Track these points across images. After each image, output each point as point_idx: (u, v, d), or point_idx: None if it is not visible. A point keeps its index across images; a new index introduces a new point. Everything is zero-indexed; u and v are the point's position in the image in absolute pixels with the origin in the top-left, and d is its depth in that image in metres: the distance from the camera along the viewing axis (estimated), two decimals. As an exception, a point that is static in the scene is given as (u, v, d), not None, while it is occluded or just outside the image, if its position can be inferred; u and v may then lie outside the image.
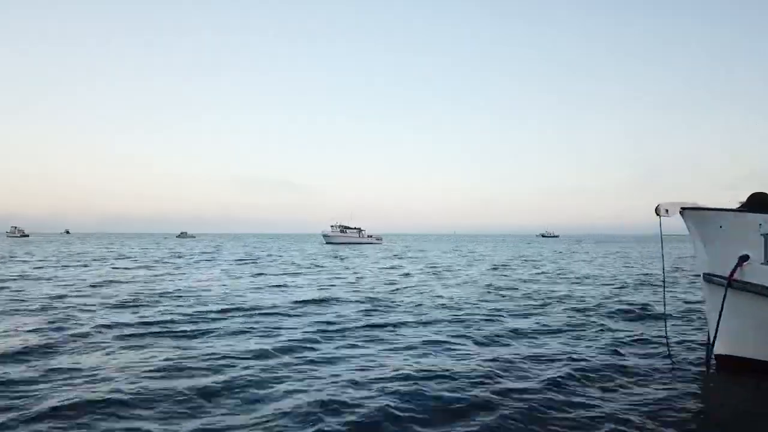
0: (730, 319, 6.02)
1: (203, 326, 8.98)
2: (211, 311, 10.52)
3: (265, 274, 20.79)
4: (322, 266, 26.39)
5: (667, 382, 5.91)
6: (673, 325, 9.13)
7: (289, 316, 10.17)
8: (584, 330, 8.87)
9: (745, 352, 6.13)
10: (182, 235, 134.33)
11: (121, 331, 8.47)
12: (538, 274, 21.43)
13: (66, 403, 4.91)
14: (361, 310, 10.91)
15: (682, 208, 6.26)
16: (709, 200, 6.38)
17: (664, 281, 7.74)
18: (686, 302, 12.20)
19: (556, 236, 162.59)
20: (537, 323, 9.45)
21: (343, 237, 70.63)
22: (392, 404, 4.98)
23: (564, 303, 12.15)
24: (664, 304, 7.68)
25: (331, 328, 8.88)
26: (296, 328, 8.83)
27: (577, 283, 17.64)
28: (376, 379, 5.84)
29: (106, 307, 11.08)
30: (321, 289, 15.34)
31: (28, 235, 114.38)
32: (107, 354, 7.06)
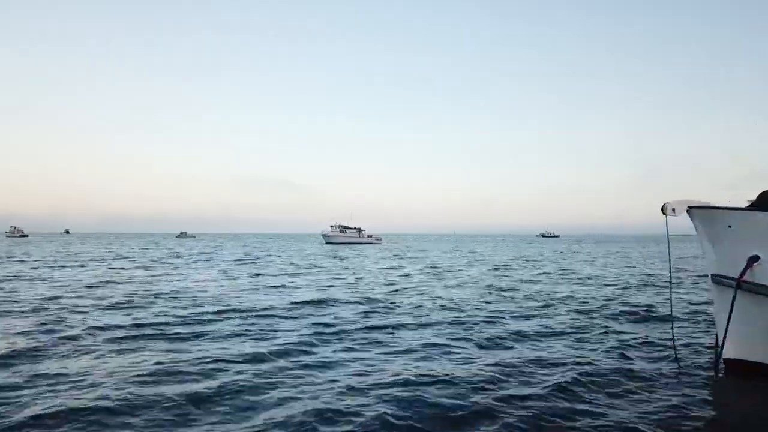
0: (739, 321, 5.82)
1: (197, 328, 8.76)
2: (207, 313, 10.30)
3: (263, 275, 20.58)
4: (321, 266, 26.17)
5: (675, 387, 5.71)
6: (678, 327, 8.92)
7: (286, 318, 9.95)
8: (588, 332, 8.65)
9: (755, 356, 5.93)
10: (182, 235, 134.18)
11: (112, 334, 8.25)
12: (540, 274, 21.22)
13: (48, 411, 4.70)
14: (360, 312, 10.69)
15: (689, 206, 6.06)
16: (710, 200, 6.18)
17: (671, 282, 7.47)
18: (691, 303, 11.99)
19: (557, 236, 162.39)
20: (540, 325, 9.23)
21: (343, 237, 70.43)
22: (390, 412, 4.76)
23: (567, 304, 11.93)
24: (671, 306, 7.44)
25: (328, 330, 8.66)
26: (292, 331, 8.62)
27: (579, 283, 17.42)
28: (374, 384, 5.62)
29: (100, 309, 10.86)
30: (319, 290, 15.12)
31: (27, 235, 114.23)
32: (96, 358, 6.84)
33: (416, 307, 11.49)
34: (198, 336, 8.17)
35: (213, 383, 5.69)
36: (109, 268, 23.39)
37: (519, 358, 6.87)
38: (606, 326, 9.17)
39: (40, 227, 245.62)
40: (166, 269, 23.16)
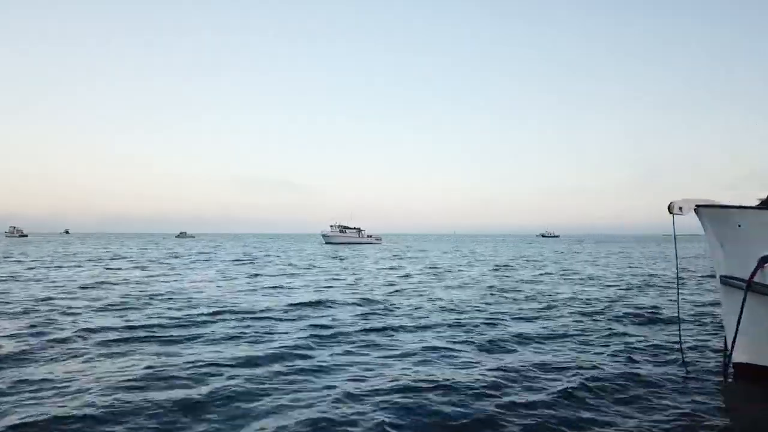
0: (749, 325, 5.62)
1: (191, 331, 8.53)
2: (201, 314, 10.07)
3: (261, 275, 20.35)
4: (320, 267, 25.94)
5: (684, 393, 5.49)
6: (684, 329, 8.67)
7: (283, 320, 9.72)
8: (592, 335, 8.42)
9: (766, 360, 5.72)
10: (181, 235, 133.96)
11: (103, 337, 8.03)
12: (541, 275, 20.98)
13: (29, 419, 4.47)
14: (358, 314, 10.46)
15: (696, 205, 5.85)
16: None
17: (678, 284, 7.25)
18: (696, 305, 11.77)
19: (557, 236, 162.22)
20: (543, 328, 9.00)
21: (343, 237, 70.20)
22: (389, 420, 4.54)
23: (570, 306, 11.70)
24: (678, 309, 7.22)
25: (325, 332, 8.43)
26: (289, 333, 8.39)
27: (581, 284, 17.19)
28: (372, 391, 5.39)
29: (92, 310, 10.63)
30: (317, 290, 14.89)
31: (26, 235, 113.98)
32: (85, 362, 6.61)
33: (416, 308, 11.26)
34: (191, 339, 7.94)
35: (203, 389, 5.46)
36: (106, 269, 23.16)
37: (522, 362, 6.65)
38: (610, 328, 8.94)
39: (40, 227, 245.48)
40: (163, 270, 22.93)
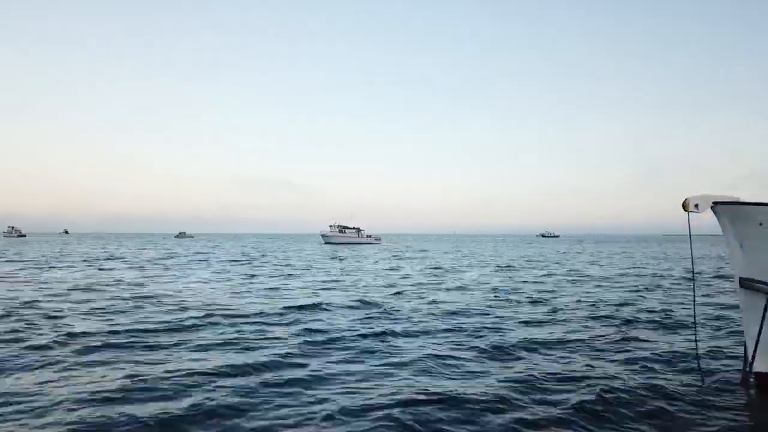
0: None
1: (178, 336, 8.04)
2: (191, 318, 9.58)
3: (258, 276, 19.86)
4: (318, 267, 25.46)
5: (703, 405, 5.05)
6: (700, 334, 8.20)
7: (276, 324, 9.22)
8: (604, 341, 7.93)
9: None
10: (180, 235, 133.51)
11: (84, 342, 7.54)
12: (545, 276, 20.48)
13: (-17, 440, 3.99)
14: (356, 318, 9.97)
15: (714, 202, 5.36)
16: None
17: (694, 287, 6.79)
18: (709, 307, 11.26)
19: (557, 236, 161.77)
20: (551, 333, 8.51)
21: (342, 237, 69.74)
22: (387, 441, 4.05)
23: (577, 309, 11.20)
24: (695, 314, 6.77)
25: (320, 338, 7.94)
26: (281, 339, 7.90)
27: (587, 286, 16.70)
28: (368, 405, 4.90)
29: (77, 314, 10.14)
30: (314, 293, 14.40)
31: (24, 235, 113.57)
32: (59, 371, 6.13)
33: (417, 312, 10.76)
34: (177, 345, 7.45)
35: (184, 402, 4.99)
36: (99, 269, 22.66)
37: (531, 371, 6.16)
38: (622, 333, 8.46)
39: (40, 227, 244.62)
40: (158, 270, 22.43)
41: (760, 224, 5.20)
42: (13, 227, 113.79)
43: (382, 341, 7.81)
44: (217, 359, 6.61)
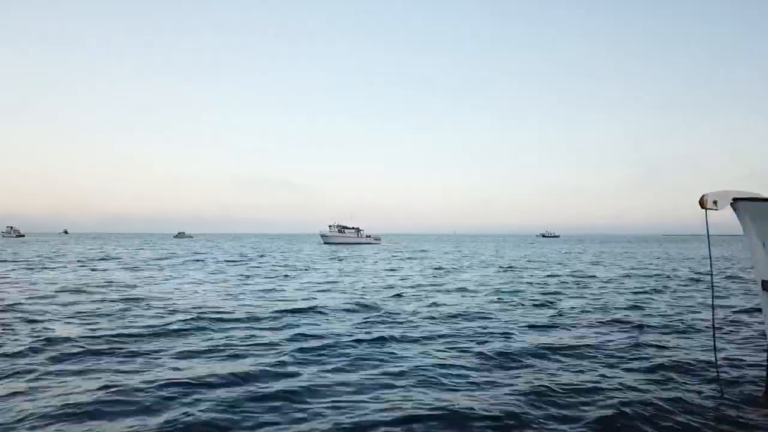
0: None
1: (163, 342, 7.55)
2: (179, 321, 9.09)
3: (254, 277, 19.37)
4: (316, 268, 24.97)
5: (727, 419, 4.60)
6: (717, 338, 7.72)
7: (268, 329, 8.72)
8: (616, 347, 7.44)
9: None
10: (180, 235, 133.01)
11: (61, 349, 7.05)
12: (548, 276, 19.98)
13: None
14: (353, 322, 9.48)
15: (734, 198, 4.88)
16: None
17: (712, 290, 6.29)
18: (721, 310, 10.77)
19: (557, 236, 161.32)
20: (560, 339, 8.02)
21: (342, 237, 69.28)
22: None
23: (586, 312, 10.69)
24: (713, 320, 6.30)
25: (314, 344, 7.44)
26: (273, 345, 7.40)
27: (592, 287, 16.19)
28: (363, 422, 4.42)
29: (59, 317, 9.65)
30: (310, 294, 13.90)
31: (23, 235, 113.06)
32: (30, 381, 5.65)
33: (417, 315, 10.27)
34: (159, 352, 6.96)
35: (160, 417, 4.52)
36: (92, 270, 22.17)
37: (542, 381, 5.67)
38: (634, 338, 7.98)
39: (40, 227, 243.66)
40: (152, 271, 21.94)
41: (786, 222, 4.75)
42: (11, 227, 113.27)
43: (380, 348, 7.32)
44: (200, 368, 6.13)
